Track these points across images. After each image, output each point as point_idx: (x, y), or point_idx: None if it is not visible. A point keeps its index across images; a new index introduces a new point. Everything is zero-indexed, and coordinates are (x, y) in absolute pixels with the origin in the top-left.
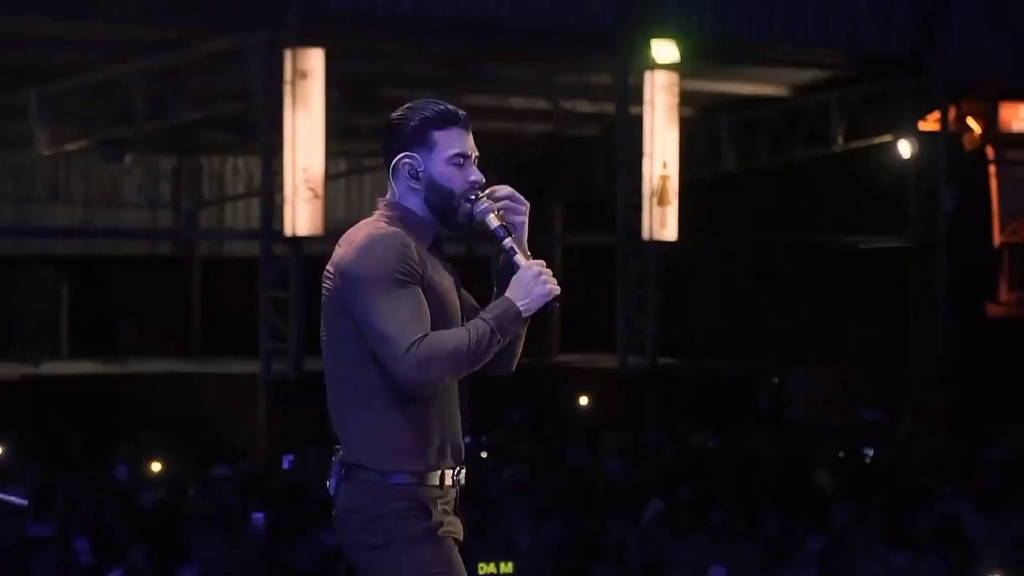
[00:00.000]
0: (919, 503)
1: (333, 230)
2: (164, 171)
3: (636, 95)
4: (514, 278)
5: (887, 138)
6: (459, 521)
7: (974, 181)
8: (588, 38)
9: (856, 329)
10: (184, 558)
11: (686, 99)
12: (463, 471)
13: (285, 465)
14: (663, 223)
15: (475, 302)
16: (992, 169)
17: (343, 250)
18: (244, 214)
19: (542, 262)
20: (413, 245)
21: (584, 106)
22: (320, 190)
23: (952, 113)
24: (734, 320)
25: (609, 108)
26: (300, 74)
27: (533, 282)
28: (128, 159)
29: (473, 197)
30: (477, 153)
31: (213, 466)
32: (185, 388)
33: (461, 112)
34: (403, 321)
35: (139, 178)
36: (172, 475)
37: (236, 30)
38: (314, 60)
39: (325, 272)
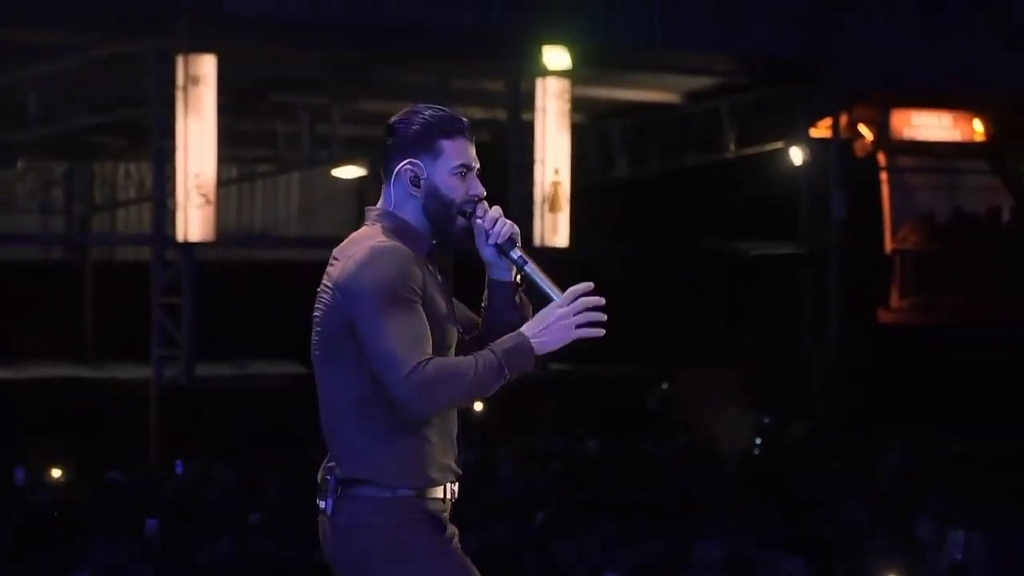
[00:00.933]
0: (815, 508)
1: (224, 235)
2: (56, 176)
3: (528, 101)
4: (541, 312)
5: (779, 145)
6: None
7: (866, 188)
8: (481, 44)
9: (749, 335)
10: (79, 562)
11: (578, 105)
12: (458, 484)
13: (178, 471)
14: (555, 229)
15: (469, 312)
16: (883, 176)
17: (342, 264)
18: (136, 219)
19: (583, 300)
20: (414, 260)
21: (476, 112)
22: (212, 196)
23: (844, 120)
24: (627, 326)
25: (501, 114)
26: (192, 80)
27: (558, 323)
28: (20, 164)
29: (471, 210)
30: (478, 164)
31: (106, 471)
32: (78, 393)
33: (465, 120)
34: (406, 342)
35: (31, 183)
36: (66, 480)
37: (129, 36)
38: (206, 66)
39: (322, 286)
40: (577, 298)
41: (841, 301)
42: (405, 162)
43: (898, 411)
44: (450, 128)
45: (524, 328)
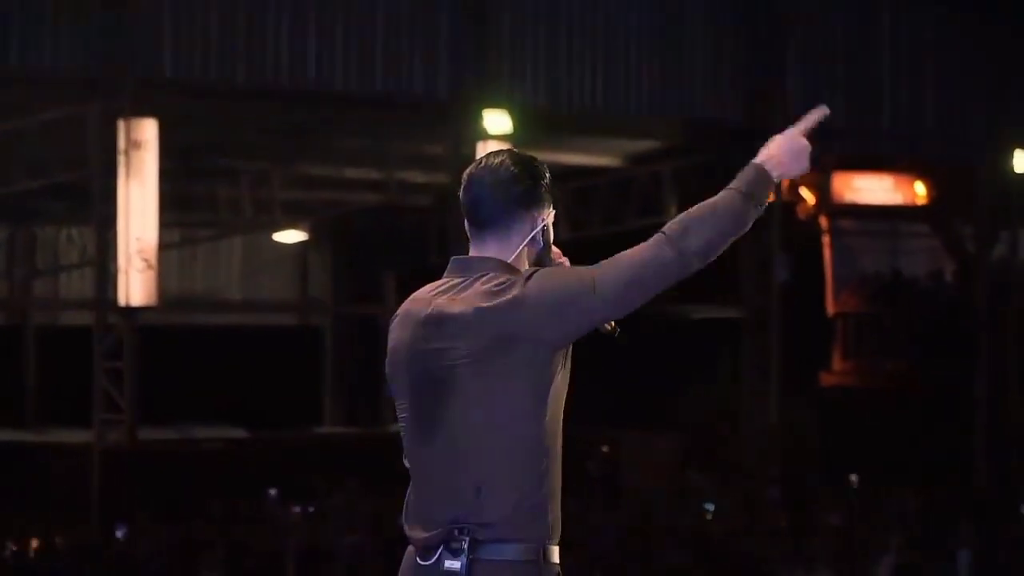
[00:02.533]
0: (760, 570)
1: (166, 300)
2: None
3: (468, 165)
4: (773, 141)
5: None
6: None
7: (808, 251)
8: (421, 108)
9: (690, 398)
10: None
11: None
12: None
13: (118, 534)
14: None
15: None
16: (825, 239)
17: (497, 297)
18: (79, 284)
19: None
20: None
21: (417, 176)
22: (153, 260)
23: (786, 183)
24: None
25: (442, 178)
26: (134, 144)
27: (797, 147)
28: None
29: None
30: None
31: (49, 535)
32: (19, 458)
33: None
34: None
35: None
36: (7, 544)
37: (71, 100)
38: (147, 130)
39: (452, 324)
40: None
41: (783, 364)
42: (546, 214)
43: (837, 472)
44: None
45: (756, 159)
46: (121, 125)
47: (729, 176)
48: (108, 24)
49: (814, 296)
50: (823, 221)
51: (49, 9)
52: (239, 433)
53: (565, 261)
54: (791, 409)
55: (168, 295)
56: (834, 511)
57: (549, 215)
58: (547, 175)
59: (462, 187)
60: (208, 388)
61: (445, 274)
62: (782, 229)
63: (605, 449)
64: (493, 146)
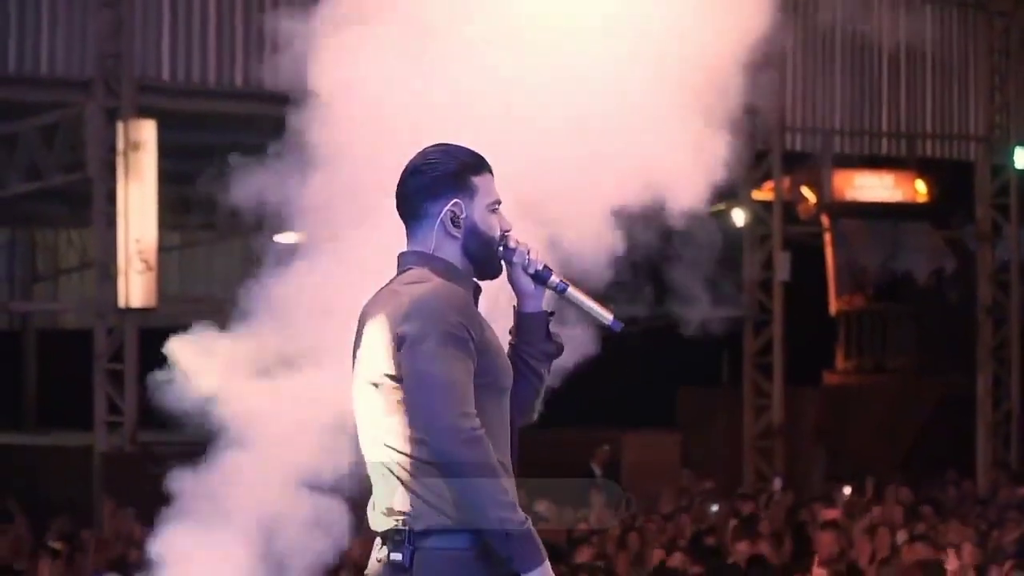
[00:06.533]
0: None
1: (166, 302)
2: None
3: None
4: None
5: (721, 207)
6: None
7: (809, 249)
8: None
9: (691, 397)
10: None
11: None
12: None
13: None
14: None
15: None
16: (827, 238)
17: (396, 302)
18: (79, 287)
19: None
20: (471, 303)
21: None
22: (153, 262)
23: (786, 182)
24: (569, 389)
25: None
26: (133, 145)
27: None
28: None
29: (504, 245)
30: (501, 200)
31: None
32: (19, 461)
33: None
34: (461, 388)
35: None
36: (9, 547)
37: (70, 101)
38: (146, 131)
39: (374, 330)
40: None
41: (786, 363)
42: (449, 203)
43: (840, 470)
44: (479, 165)
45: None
46: (120, 126)
47: (729, 173)
48: (106, 25)
49: (816, 295)
50: (824, 219)
51: (46, 10)
52: None
53: (524, 242)
54: (794, 408)
55: (167, 297)
56: (836, 510)
57: (471, 203)
58: (459, 163)
59: None
60: None
61: None
62: (783, 228)
63: (606, 448)
64: None
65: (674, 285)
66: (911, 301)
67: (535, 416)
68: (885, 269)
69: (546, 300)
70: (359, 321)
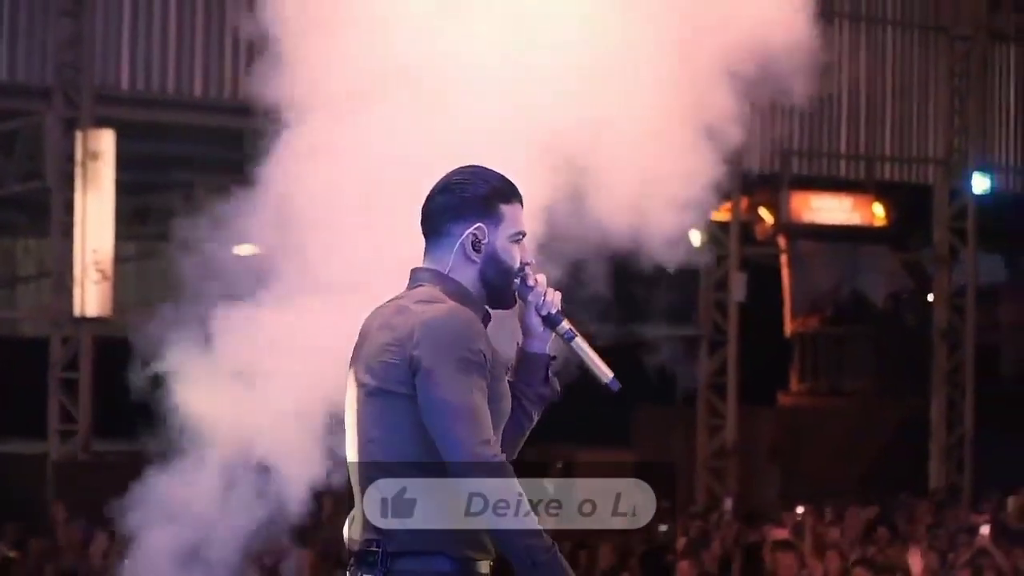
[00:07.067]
0: None
1: (122, 312)
2: None
3: None
4: None
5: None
6: None
7: (766, 271)
8: None
9: (645, 417)
10: None
11: None
12: None
13: None
14: None
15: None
16: (784, 259)
17: (406, 319)
18: (36, 295)
19: None
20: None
21: None
22: (109, 272)
23: (744, 203)
24: None
25: None
26: (91, 155)
27: None
28: None
29: (522, 279)
30: (526, 231)
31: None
32: None
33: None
34: (484, 416)
35: None
36: None
37: (28, 109)
38: (105, 141)
39: (379, 344)
40: None
41: (740, 385)
42: (473, 226)
43: (791, 494)
44: (510, 194)
45: None
46: (79, 136)
47: None
48: (65, 34)
49: (772, 316)
50: (781, 241)
51: (6, 19)
52: None
53: (542, 280)
54: (749, 428)
55: (122, 307)
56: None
57: (495, 230)
58: (490, 187)
59: None
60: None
61: None
62: (739, 248)
63: (559, 466)
64: None
65: (632, 303)
66: (868, 323)
67: (515, 456)
68: (842, 291)
69: (551, 344)
70: (361, 333)
